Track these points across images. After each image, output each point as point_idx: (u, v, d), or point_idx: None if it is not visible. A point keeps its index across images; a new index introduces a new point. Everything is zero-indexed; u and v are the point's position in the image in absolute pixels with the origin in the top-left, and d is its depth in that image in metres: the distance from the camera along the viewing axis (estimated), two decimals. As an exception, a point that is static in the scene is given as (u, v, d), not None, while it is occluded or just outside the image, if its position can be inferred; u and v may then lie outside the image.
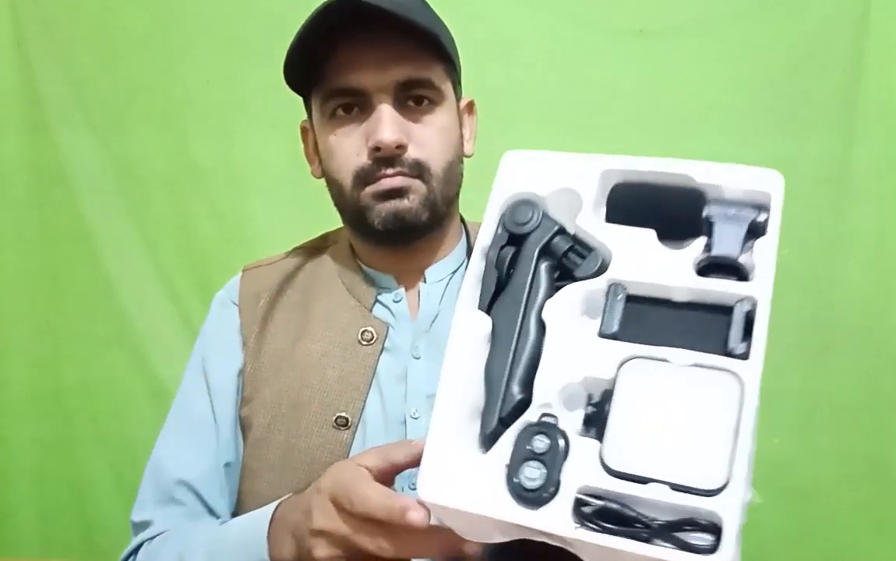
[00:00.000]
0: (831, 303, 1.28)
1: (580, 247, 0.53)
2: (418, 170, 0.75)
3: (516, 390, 0.49)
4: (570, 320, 0.50)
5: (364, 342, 0.78)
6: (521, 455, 0.46)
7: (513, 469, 0.46)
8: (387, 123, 0.73)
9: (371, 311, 0.80)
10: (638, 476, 0.43)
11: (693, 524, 0.42)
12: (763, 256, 0.49)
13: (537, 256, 0.53)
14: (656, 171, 0.53)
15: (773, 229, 0.49)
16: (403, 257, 0.81)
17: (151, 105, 1.39)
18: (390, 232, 0.76)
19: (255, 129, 1.34)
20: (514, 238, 0.54)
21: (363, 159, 0.75)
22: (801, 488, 1.28)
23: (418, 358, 0.78)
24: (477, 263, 0.54)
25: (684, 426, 0.44)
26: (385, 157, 0.74)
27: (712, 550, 0.41)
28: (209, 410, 0.80)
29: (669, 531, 0.42)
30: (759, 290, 0.47)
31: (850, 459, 1.28)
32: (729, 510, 0.41)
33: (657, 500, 0.43)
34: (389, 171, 0.74)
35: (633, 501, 0.43)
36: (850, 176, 1.26)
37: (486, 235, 0.55)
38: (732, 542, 0.41)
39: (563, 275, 0.53)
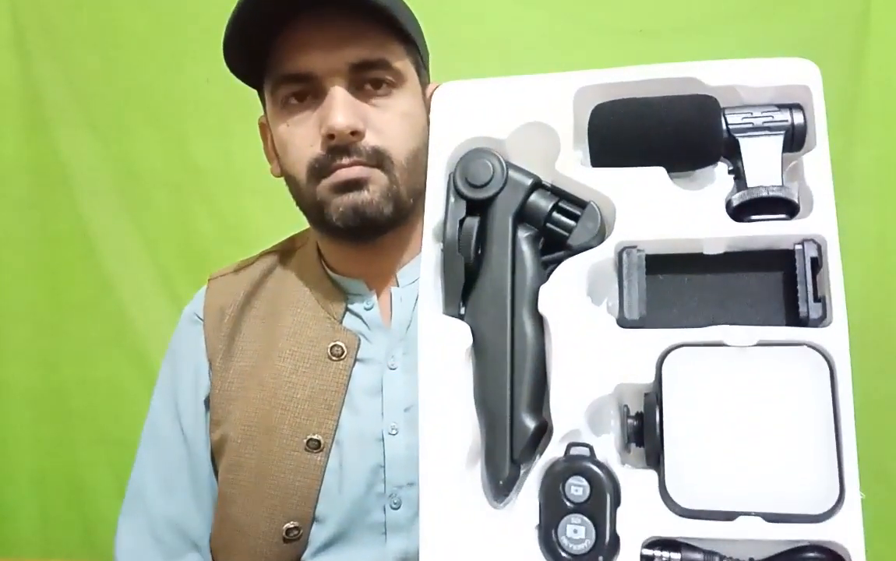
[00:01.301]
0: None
1: (568, 203, 0.40)
2: (378, 158, 0.69)
3: (527, 419, 0.37)
4: (576, 308, 0.37)
5: (334, 357, 0.73)
6: (556, 509, 0.35)
7: (547, 530, 0.35)
8: (339, 108, 0.67)
9: (341, 322, 0.74)
10: (720, 511, 0.33)
11: (801, 556, 0.32)
12: (817, 177, 0.36)
13: (512, 226, 0.39)
14: (650, 80, 0.38)
15: (821, 137, 0.38)
16: (371, 258, 0.75)
17: (151, 105, 1.39)
18: (351, 228, 0.69)
19: (255, 129, 1.37)
20: (474, 205, 0.41)
21: (317, 150, 0.69)
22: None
23: (394, 368, 0.72)
24: (432, 249, 0.41)
25: (764, 431, 0.33)
26: (340, 146, 0.68)
27: None
28: (181, 438, 0.77)
29: None
30: (822, 224, 0.35)
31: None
32: (851, 533, 0.32)
33: (753, 538, 0.32)
34: (346, 160, 0.68)
35: (717, 545, 0.33)
36: (851, 176, 1.26)
37: (434, 207, 0.41)
38: None
39: (552, 245, 0.40)
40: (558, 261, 0.39)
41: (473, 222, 0.40)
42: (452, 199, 0.41)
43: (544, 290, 0.38)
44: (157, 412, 0.80)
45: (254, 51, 0.70)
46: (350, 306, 0.76)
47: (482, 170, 0.40)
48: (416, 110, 0.73)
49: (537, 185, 0.40)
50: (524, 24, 1.34)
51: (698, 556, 0.33)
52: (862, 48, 1.25)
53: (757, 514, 0.32)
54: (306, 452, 0.70)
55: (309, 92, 0.70)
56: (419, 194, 0.73)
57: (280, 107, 0.71)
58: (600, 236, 0.38)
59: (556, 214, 0.40)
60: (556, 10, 1.33)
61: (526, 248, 0.39)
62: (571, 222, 0.39)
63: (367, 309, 0.75)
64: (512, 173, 0.40)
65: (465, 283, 0.40)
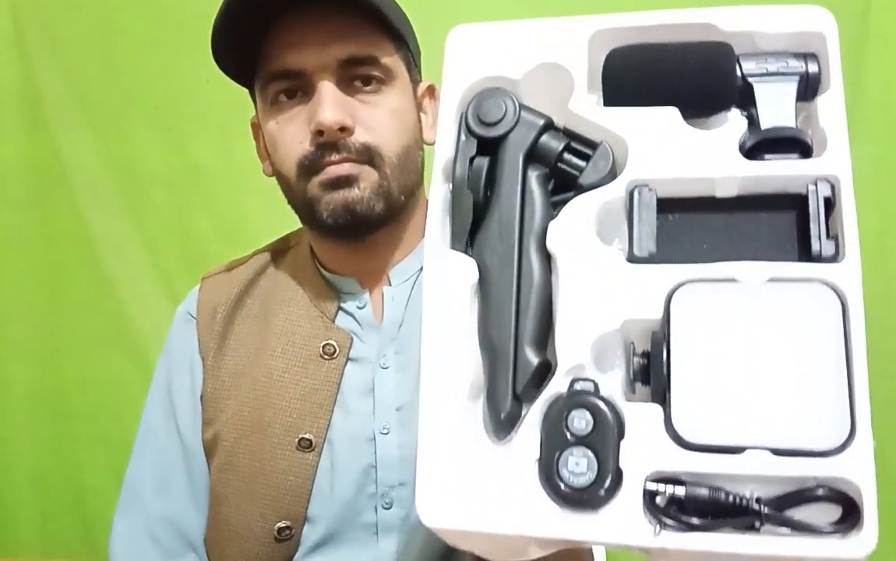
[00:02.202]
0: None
1: (579, 144, 0.40)
2: (368, 155, 0.68)
3: (531, 354, 0.37)
4: (585, 245, 0.37)
5: (326, 356, 0.72)
6: (557, 442, 0.34)
7: (548, 463, 0.34)
8: (327, 104, 0.66)
9: (334, 320, 0.74)
10: (726, 445, 0.32)
11: (811, 494, 0.31)
12: (831, 118, 0.36)
13: (523, 165, 0.39)
14: (666, 25, 0.39)
15: (835, 81, 0.37)
16: (364, 256, 0.75)
17: (151, 105, 1.39)
18: (341, 226, 0.69)
19: (255, 129, 1.39)
20: (485, 144, 0.40)
21: (306, 146, 0.68)
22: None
23: (386, 368, 0.72)
24: (441, 188, 0.41)
25: (773, 367, 0.32)
26: (329, 142, 0.67)
27: (849, 526, 0.31)
28: (176, 437, 0.77)
29: (784, 511, 0.31)
30: (836, 164, 0.35)
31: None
32: (863, 469, 0.31)
33: (758, 474, 0.32)
34: (335, 156, 0.67)
35: (724, 479, 0.32)
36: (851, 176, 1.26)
37: (445, 146, 0.41)
38: (874, 509, 0.30)
39: (562, 185, 0.40)
40: (568, 201, 0.39)
41: (484, 161, 0.40)
42: (464, 138, 0.41)
43: (553, 226, 0.38)
44: (153, 411, 0.80)
45: (242, 49, 0.70)
46: (343, 305, 0.75)
47: (494, 108, 0.40)
48: (405, 107, 0.72)
49: (549, 125, 0.40)
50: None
51: (703, 490, 0.32)
52: (862, 48, 1.25)
53: (765, 448, 0.32)
54: (298, 452, 0.70)
55: (298, 89, 0.69)
56: (411, 192, 0.73)
57: (270, 104, 0.71)
58: (611, 176, 0.38)
59: (567, 155, 0.40)
60: (555, 10, 1.33)
61: (536, 187, 0.39)
62: (582, 163, 0.39)
63: (360, 308, 0.75)
64: (524, 113, 0.40)
65: (473, 221, 0.40)
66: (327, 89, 0.67)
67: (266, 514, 0.70)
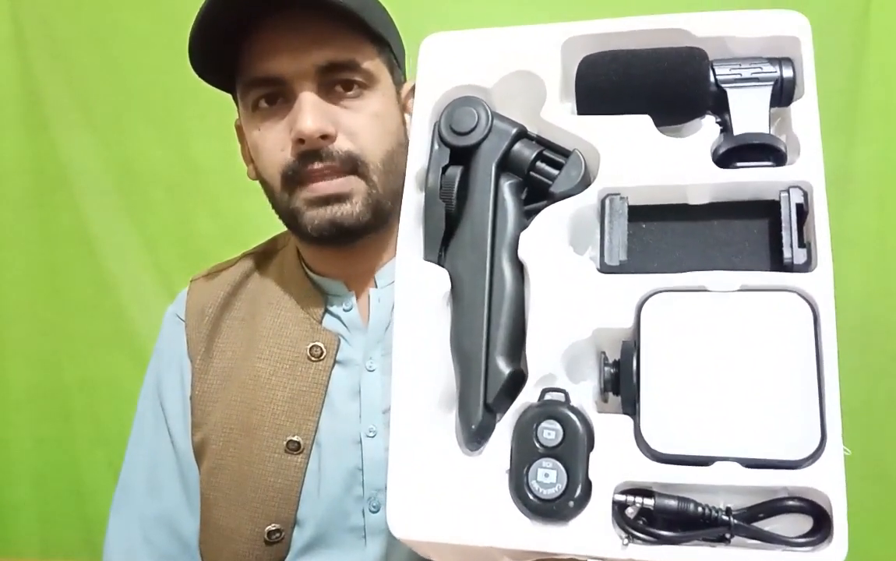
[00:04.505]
0: (831, 303, 1.28)
1: (552, 152, 0.39)
2: (351, 162, 0.67)
3: (502, 364, 0.37)
4: (557, 255, 0.37)
5: (314, 358, 0.72)
6: (527, 453, 0.34)
7: (518, 474, 0.34)
8: (307, 111, 0.65)
9: (321, 323, 0.74)
10: (696, 456, 0.32)
11: (782, 505, 0.31)
12: (804, 124, 0.36)
13: (496, 173, 0.39)
14: (639, 31, 0.38)
15: (809, 87, 0.37)
16: (350, 259, 0.75)
17: (151, 105, 1.39)
18: (325, 238, 0.69)
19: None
20: (458, 153, 0.40)
21: (288, 155, 0.68)
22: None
23: (372, 370, 0.72)
24: (413, 197, 0.41)
25: (744, 377, 0.32)
26: (311, 151, 0.67)
27: (820, 537, 0.30)
28: (168, 439, 0.77)
29: (755, 522, 0.31)
30: (809, 171, 0.35)
31: (850, 459, 1.28)
32: (832, 480, 0.30)
33: (728, 484, 0.31)
34: (317, 165, 0.67)
35: (695, 491, 0.32)
36: (851, 176, 1.26)
37: (418, 156, 0.41)
38: (843, 519, 0.30)
39: (535, 194, 0.40)
40: (541, 209, 0.39)
41: (456, 170, 0.40)
42: (436, 147, 0.40)
43: (524, 235, 0.38)
44: (144, 414, 0.80)
45: (221, 55, 0.69)
46: (329, 307, 0.75)
47: (467, 117, 0.40)
48: (388, 111, 0.72)
49: (522, 134, 0.40)
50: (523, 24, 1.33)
51: (672, 502, 0.32)
52: (862, 48, 1.25)
53: (734, 459, 0.31)
54: (286, 454, 0.70)
55: (279, 95, 0.69)
56: (397, 197, 0.72)
57: (251, 111, 0.71)
58: (583, 184, 0.38)
59: (539, 163, 0.39)
60: (555, 10, 1.33)
61: (508, 196, 0.39)
62: (555, 171, 0.39)
63: (347, 310, 0.75)
64: (496, 122, 0.40)
65: (446, 231, 0.40)
66: (308, 98, 0.67)
67: (256, 517, 0.70)
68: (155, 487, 0.77)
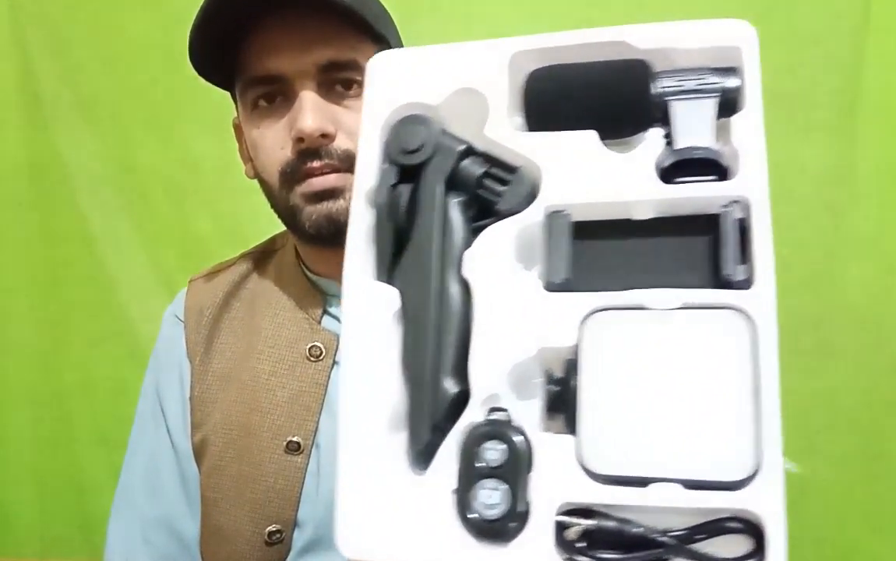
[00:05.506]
0: (831, 303, 1.28)
1: (499, 169, 0.39)
2: (350, 161, 0.66)
3: (449, 383, 0.37)
4: (502, 272, 0.37)
5: (313, 358, 0.72)
6: (472, 473, 0.34)
7: (463, 495, 0.34)
8: (308, 110, 0.65)
9: (320, 323, 0.74)
10: (633, 477, 0.32)
11: (721, 526, 0.31)
12: (747, 138, 0.35)
13: (443, 191, 0.39)
14: (583, 44, 0.38)
15: (753, 98, 0.35)
16: None
17: (151, 105, 1.39)
18: (323, 236, 0.68)
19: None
20: (406, 172, 0.40)
21: (287, 153, 0.68)
22: (800, 488, 1.28)
23: None
24: (362, 215, 0.40)
25: (683, 396, 0.32)
26: (310, 149, 0.66)
27: (758, 559, 0.30)
28: (167, 440, 0.76)
29: (690, 544, 0.31)
30: (750, 186, 0.34)
31: (850, 459, 1.28)
32: (769, 502, 0.30)
33: (665, 506, 0.31)
34: (316, 163, 0.67)
35: (634, 511, 0.32)
36: (850, 176, 1.26)
37: (367, 174, 0.41)
38: (780, 543, 0.29)
39: (483, 212, 0.39)
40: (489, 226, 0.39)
41: (405, 189, 0.40)
42: (385, 165, 0.40)
43: (468, 254, 0.37)
44: (144, 415, 0.79)
45: (221, 54, 0.69)
46: (328, 308, 0.75)
47: (413, 136, 0.39)
48: None
49: (469, 151, 0.40)
50: (522, 23, 1.33)
51: (612, 523, 0.32)
52: (862, 48, 1.25)
53: (673, 480, 0.31)
54: (286, 455, 0.70)
55: (278, 94, 0.69)
56: None
57: (250, 110, 0.71)
58: (528, 201, 0.37)
59: (487, 180, 0.39)
60: (555, 10, 1.33)
61: (455, 214, 0.39)
62: (502, 188, 0.38)
63: None
64: (444, 139, 0.39)
65: (395, 249, 0.40)
66: (308, 97, 0.66)
67: (256, 518, 0.70)
68: (155, 488, 0.76)
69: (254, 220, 1.39)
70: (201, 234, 1.39)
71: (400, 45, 0.76)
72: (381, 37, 0.71)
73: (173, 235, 1.41)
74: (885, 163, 1.26)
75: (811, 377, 1.28)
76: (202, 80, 0.74)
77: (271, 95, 0.69)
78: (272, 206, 0.74)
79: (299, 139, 0.66)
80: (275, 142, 0.69)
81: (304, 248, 0.77)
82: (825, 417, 1.28)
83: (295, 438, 0.70)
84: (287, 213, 0.71)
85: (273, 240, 0.84)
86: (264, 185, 0.73)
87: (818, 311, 1.28)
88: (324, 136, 0.67)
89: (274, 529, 0.70)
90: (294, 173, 0.68)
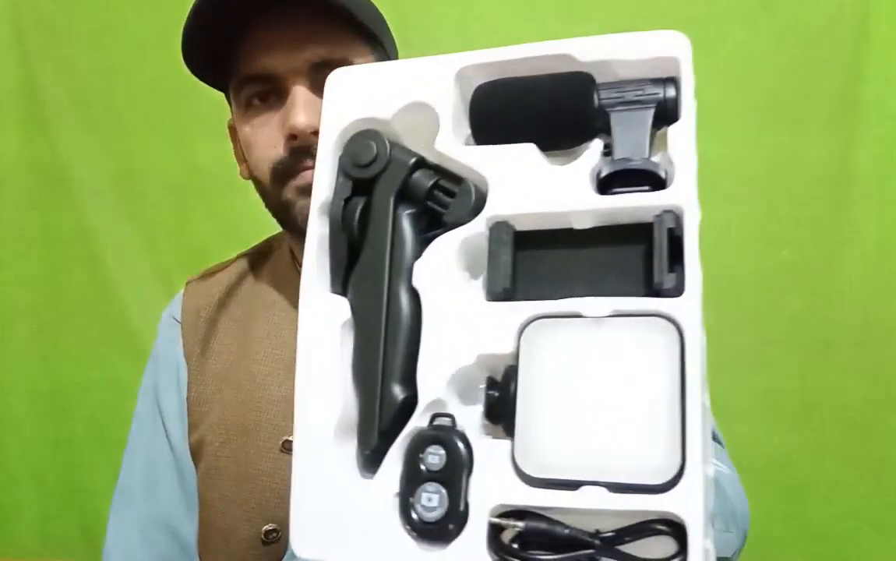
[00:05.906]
0: (831, 303, 1.28)
1: (448, 181, 0.40)
2: None
3: (397, 390, 0.38)
4: (449, 282, 0.38)
5: None
6: (414, 477, 0.35)
7: (405, 498, 0.35)
8: (300, 107, 0.65)
9: None
10: (564, 480, 0.33)
11: (648, 528, 0.32)
12: (680, 148, 0.35)
13: (394, 203, 0.40)
14: (528, 58, 0.39)
15: (687, 109, 0.36)
16: None
17: (151, 105, 1.39)
18: None
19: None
20: (360, 185, 0.41)
21: (280, 151, 0.68)
22: (801, 488, 1.28)
23: None
24: (317, 227, 0.42)
25: (613, 402, 0.33)
26: (303, 146, 0.66)
27: (678, 556, 0.31)
28: (165, 440, 0.76)
29: (619, 545, 0.32)
30: (681, 195, 0.34)
31: (850, 458, 1.28)
32: (690, 505, 0.31)
33: (594, 508, 0.32)
34: (309, 161, 0.66)
35: (564, 513, 0.33)
36: (850, 176, 1.26)
37: (322, 188, 0.42)
38: (700, 544, 0.31)
39: (434, 223, 0.41)
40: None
41: (358, 202, 0.41)
42: (340, 179, 0.42)
43: (418, 264, 0.39)
44: (142, 416, 0.80)
45: (214, 53, 0.69)
46: None
47: (365, 150, 0.41)
48: None
49: (420, 163, 0.41)
50: (523, 24, 1.33)
51: (542, 524, 0.33)
52: (862, 48, 1.25)
53: (601, 483, 0.32)
54: (283, 454, 0.70)
55: (271, 92, 0.69)
56: None
57: (244, 108, 0.71)
58: (475, 212, 0.39)
59: (436, 192, 0.40)
60: (555, 10, 1.33)
61: (406, 226, 0.40)
62: (450, 199, 0.40)
63: None
64: (395, 153, 0.41)
65: (350, 261, 0.41)
66: (300, 94, 0.66)
67: (252, 517, 0.70)
68: (153, 488, 0.77)
69: (253, 221, 1.40)
70: (201, 234, 1.39)
71: (393, 43, 0.76)
72: (374, 36, 0.71)
73: (173, 236, 1.41)
74: (885, 162, 1.26)
75: (812, 377, 1.28)
76: (201, 81, 0.74)
77: (264, 94, 0.69)
78: (265, 204, 0.74)
79: (292, 136, 0.67)
80: (267, 139, 0.69)
81: (299, 247, 0.77)
82: (826, 416, 1.28)
83: (291, 438, 0.70)
84: (280, 210, 0.71)
85: (269, 241, 0.84)
86: (257, 183, 0.73)
87: (818, 310, 1.28)
88: (316, 132, 0.67)
89: (270, 528, 0.70)
90: (287, 170, 0.68)
